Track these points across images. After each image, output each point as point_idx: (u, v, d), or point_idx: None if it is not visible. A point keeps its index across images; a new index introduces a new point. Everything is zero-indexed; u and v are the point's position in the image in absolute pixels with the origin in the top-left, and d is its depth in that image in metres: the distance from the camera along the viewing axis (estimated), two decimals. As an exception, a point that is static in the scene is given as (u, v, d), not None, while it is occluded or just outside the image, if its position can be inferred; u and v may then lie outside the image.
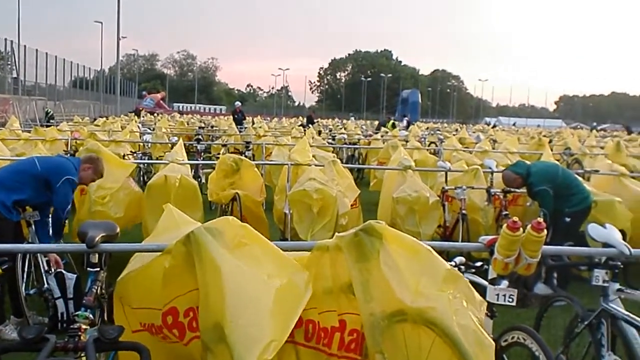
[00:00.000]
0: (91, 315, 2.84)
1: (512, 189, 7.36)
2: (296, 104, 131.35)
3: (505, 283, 3.34)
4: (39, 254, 5.24)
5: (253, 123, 28.64)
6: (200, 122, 30.68)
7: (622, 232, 4.63)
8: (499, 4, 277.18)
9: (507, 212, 7.19)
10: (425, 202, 7.36)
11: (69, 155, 8.50)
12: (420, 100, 71.66)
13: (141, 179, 11.51)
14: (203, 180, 10.24)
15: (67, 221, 5.59)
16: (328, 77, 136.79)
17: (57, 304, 4.09)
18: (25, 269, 5.34)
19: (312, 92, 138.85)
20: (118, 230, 3.37)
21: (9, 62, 34.04)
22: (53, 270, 4.47)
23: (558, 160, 10.86)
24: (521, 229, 3.15)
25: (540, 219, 3.18)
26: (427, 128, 33.49)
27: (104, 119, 26.79)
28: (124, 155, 10.18)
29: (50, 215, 5.38)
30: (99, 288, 3.26)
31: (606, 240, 3.81)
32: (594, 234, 3.94)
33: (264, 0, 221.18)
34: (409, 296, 2.45)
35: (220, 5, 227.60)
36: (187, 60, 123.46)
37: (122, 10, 48.90)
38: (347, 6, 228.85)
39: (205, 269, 2.55)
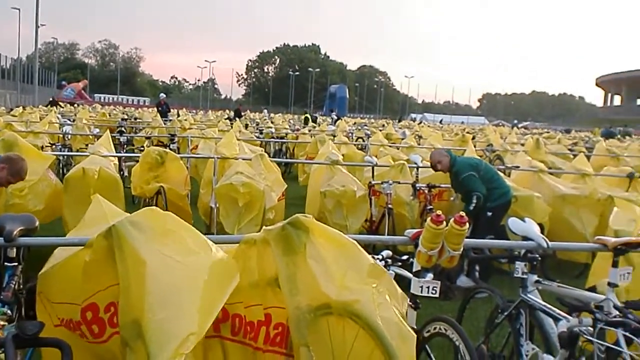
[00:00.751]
0: (9, 311, 2.74)
1: (437, 184, 7.51)
2: (223, 97, 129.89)
3: (430, 276, 3.40)
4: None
5: (178, 115, 28.13)
6: (123, 113, 29.84)
7: (541, 225, 4.80)
8: (425, 3, 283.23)
9: (431, 207, 7.33)
10: (352, 196, 7.40)
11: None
12: (347, 96, 72.44)
13: (60, 171, 11.07)
14: (126, 174, 9.96)
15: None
16: (256, 71, 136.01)
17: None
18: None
19: (240, 85, 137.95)
20: (37, 223, 3.23)
21: None
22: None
23: (481, 156, 11.14)
24: (444, 223, 3.22)
25: (463, 213, 3.25)
26: (355, 123, 33.77)
27: (21, 109, 25.63)
28: (42, 147, 9.78)
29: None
30: (16, 283, 3.10)
31: (525, 234, 3.94)
32: (514, 228, 4.06)
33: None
34: (334, 289, 2.47)
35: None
36: (109, 50, 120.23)
37: (41, -4, 46.97)
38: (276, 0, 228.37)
39: (128, 263, 2.46)
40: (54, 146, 11.11)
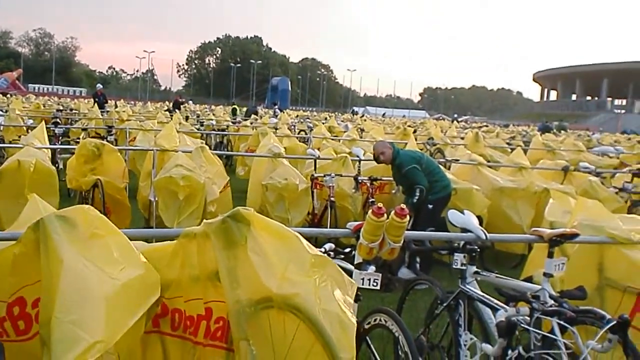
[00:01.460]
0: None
1: (379, 177, 7.56)
2: (162, 88, 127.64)
3: (371, 268, 3.41)
4: None
5: (116, 107, 27.47)
6: (59, 104, 29.00)
7: (479, 218, 4.87)
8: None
9: (374, 199, 7.37)
10: (294, 189, 7.38)
11: None
12: (290, 88, 72.25)
13: (-8, 163, 10.66)
14: (61, 166, 9.66)
15: None
16: (196, 62, 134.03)
17: None
18: None
19: (180, 77, 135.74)
20: None
21: None
22: None
23: (422, 150, 11.28)
24: (385, 215, 3.22)
25: (404, 206, 3.27)
26: (297, 116, 33.72)
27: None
28: (-28, 139, 9.38)
29: None
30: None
31: (464, 226, 4.00)
32: (454, 220, 4.12)
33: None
34: (275, 282, 2.45)
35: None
36: (44, 39, 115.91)
37: (-30, -18, 44.99)
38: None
39: (48, 259, 2.36)
40: (-16, 138, 10.68)
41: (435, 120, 43.52)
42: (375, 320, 3.39)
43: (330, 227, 6.85)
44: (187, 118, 20.41)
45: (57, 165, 9.46)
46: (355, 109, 67.23)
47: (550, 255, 3.74)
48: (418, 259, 6.76)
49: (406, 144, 11.27)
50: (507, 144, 17.37)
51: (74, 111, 23.83)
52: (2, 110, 17.74)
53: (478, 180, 8.04)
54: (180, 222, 6.40)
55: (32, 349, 2.64)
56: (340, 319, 2.43)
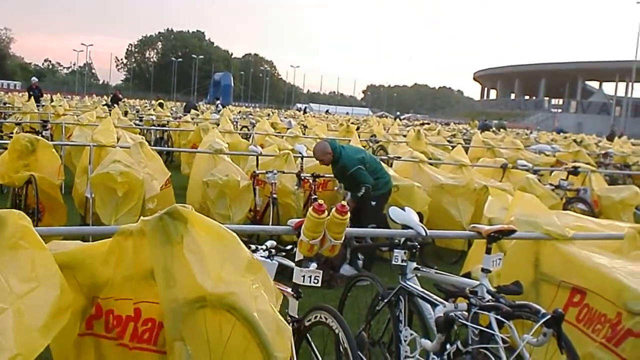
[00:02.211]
0: None
1: (321, 174, 7.56)
2: (101, 82, 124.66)
3: (313, 265, 3.39)
4: None
5: (52, 101, 26.66)
6: (-9, 98, 27.94)
7: (420, 214, 4.93)
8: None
9: (316, 196, 7.36)
10: (235, 186, 7.31)
11: None
12: (232, 84, 71.58)
13: None
14: (-7, 162, 9.28)
15: None
16: (136, 56, 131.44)
17: None
18: None
19: (119, 71, 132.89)
20: None
21: None
22: None
23: (365, 147, 11.35)
24: (326, 212, 3.22)
25: (344, 202, 3.27)
26: (240, 112, 33.48)
27: None
28: None
29: None
30: None
31: (405, 222, 4.03)
32: (394, 217, 4.14)
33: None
34: (211, 282, 2.43)
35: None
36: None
37: None
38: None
39: None
40: None
41: (378, 117, 43.88)
42: (315, 317, 3.38)
43: (272, 224, 6.81)
44: (126, 113, 19.97)
45: (-12, 161, 9.10)
46: (299, 105, 67.20)
47: (488, 251, 3.80)
48: (360, 256, 6.78)
49: (349, 141, 11.33)
50: (448, 141, 17.65)
51: (7, 105, 22.99)
52: None
53: (419, 177, 8.12)
54: (118, 219, 6.24)
55: None
56: (276, 321, 2.45)
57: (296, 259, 3.41)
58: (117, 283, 2.62)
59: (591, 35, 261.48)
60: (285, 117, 26.64)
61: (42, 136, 8.77)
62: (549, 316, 2.91)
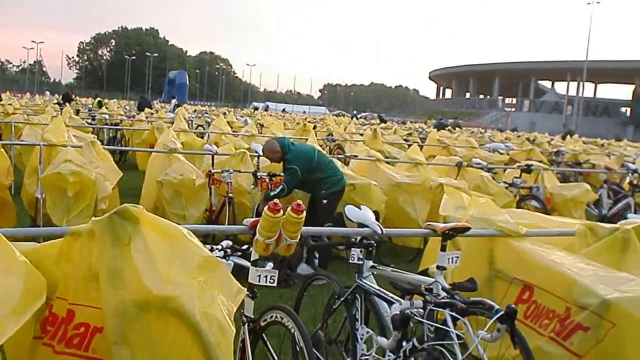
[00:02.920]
0: None
1: (278, 173, 7.53)
2: (52, 80, 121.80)
3: (269, 265, 3.37)
4: None
5: (0, 99, 25.93)
6: (-63, 96, 26.96)
7: (376, 213, 4.94)
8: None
9: (271, 195, 7.32)
10: (191, 185, 7.22)
11: None
12: (187, 82, 70.89)
13: None
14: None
15: None
16: (89, 53, 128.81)
17: None
18: None
19: (71, 69, 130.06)
20: None
21: None
22: None
23: (322, 146, 11.34)
24: (282, 211, 3.20)
25: (300, 201, 3.25)
26: (195, 110, 33.15)
27: None
28: None
29: None
30: None
31: (361, 221, 4.04)
32: (351, 215, 4.15)
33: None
34: (156, 284, 2.38)
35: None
36: None
37: None
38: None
39: None
40: None
41: (335, 116, 43.95)
42: (271, 317, 3.36)
43: (228, 224, 6.75)
44: (77, 112, 19.56)
45: None
46: (256, 104, 66.92)
47: (444, 248, 3.84)
48: (317, 255, 6.78)
49: (306, 139, 11.32)
50: (404, 140, 17.79)
51: (-47, 104, 22.28)
52: None
53: (376, 176, 8.16)
54: (70, 220, 6.10)
55: None
56: (220, 323, 2.40)
57: (252, 259, 3.38)
58: (63, 283, 2.55)
59: (544, 36, 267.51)
60: (242, 116, 26.49)
61: (-10, 136, 8.53)
62: (502, 312, 2.96)
